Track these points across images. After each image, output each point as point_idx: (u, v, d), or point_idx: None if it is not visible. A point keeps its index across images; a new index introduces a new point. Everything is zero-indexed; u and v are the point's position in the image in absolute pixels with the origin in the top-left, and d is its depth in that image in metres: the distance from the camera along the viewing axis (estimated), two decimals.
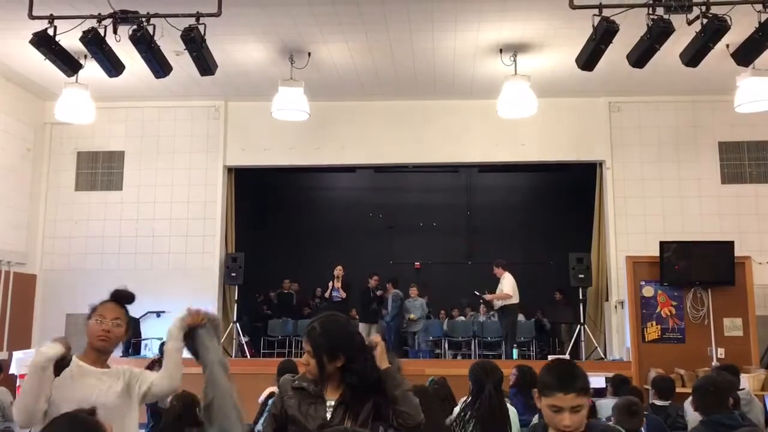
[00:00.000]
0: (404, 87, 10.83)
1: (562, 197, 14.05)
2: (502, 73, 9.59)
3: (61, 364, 2.97)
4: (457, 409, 4.34)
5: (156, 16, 7.39)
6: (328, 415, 2.62)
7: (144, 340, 10.63)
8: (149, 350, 10.44)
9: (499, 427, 4.07)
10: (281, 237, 14.78)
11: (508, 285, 10.68)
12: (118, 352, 10.72)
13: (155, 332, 10.38)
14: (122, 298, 3.16)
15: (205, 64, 7.89)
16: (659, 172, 11.06)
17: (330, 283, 11.58)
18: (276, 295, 13.12)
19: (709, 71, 8.66)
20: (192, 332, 3.15)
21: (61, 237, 11.53)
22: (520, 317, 12.87)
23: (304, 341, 2.74)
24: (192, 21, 7.39)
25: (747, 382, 8.18)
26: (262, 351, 12.03)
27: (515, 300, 10.75)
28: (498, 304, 10.91)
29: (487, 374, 4.22)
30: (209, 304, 11.18)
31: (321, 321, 2.77)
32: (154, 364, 8.21)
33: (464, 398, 5.21)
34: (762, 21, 7.06)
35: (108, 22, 7.39)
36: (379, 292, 11.93)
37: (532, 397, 4.10)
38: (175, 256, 11.36)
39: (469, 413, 4.12)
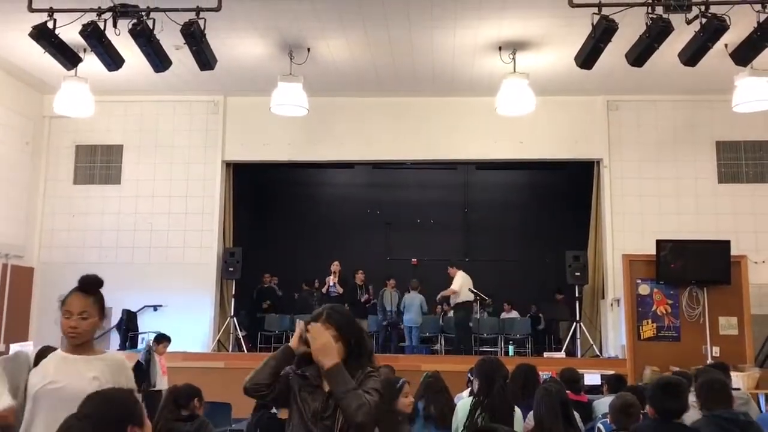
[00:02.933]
0: (403, 83, 10.84)
1: (560, 195, 14.07)
2: (501, 70, 9.61)
3: (42, 355, 3.00)
4: (462, 404, 4.35)
5: (156, 10, 7.41)
6: (323, 404, 2.67)
7: (141, 333, 10.64)
8: (146, 344, 10.47)
9: (507, 421, 4.11)
10: (279, 232, 14.79)
11: (456, 282, 11.03)
12: (114, 346, 10.81)
13: (152, 326, 10.40)
14: (89, 285, 3.05)
15: (205, 59, 7.90)
16: (656, 170, 11.10)
17: (327, 279, 11.63)
18: (257, 290, 13.02)
19: (708, 71, 8.68)
20: None
21: (59, 230, 11.54)
22: (514, 314, 12.96)
23: (321, 326, 2.72)
24: (192, 15, 7.40)
25: (742, 381, 8.22)
26: (259, 346, 12.06)
27: (464, 297, 10.98)
28: (452, 301, 11.17)
29: (496, 369, 4.28)
30: (207, 298, 11.22)
31: (332, 308, 2.83)
32: (138, 369, 8.25)
33: (462, 394, 5.24)
34: (761, 21, 7.09)
35: (108, 15, 7.42)
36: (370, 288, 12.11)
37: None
38: (173, 251, 11.38)
39: (480, 409, 4.14)
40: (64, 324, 2.98)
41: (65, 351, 3.01)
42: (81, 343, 2.99)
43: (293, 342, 2.72)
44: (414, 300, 11.73)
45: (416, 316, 11.69)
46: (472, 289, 12.13)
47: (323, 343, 2.63)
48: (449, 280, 11.37)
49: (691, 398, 4.88)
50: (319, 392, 2.69)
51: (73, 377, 2.88)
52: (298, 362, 2.80)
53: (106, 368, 2.96)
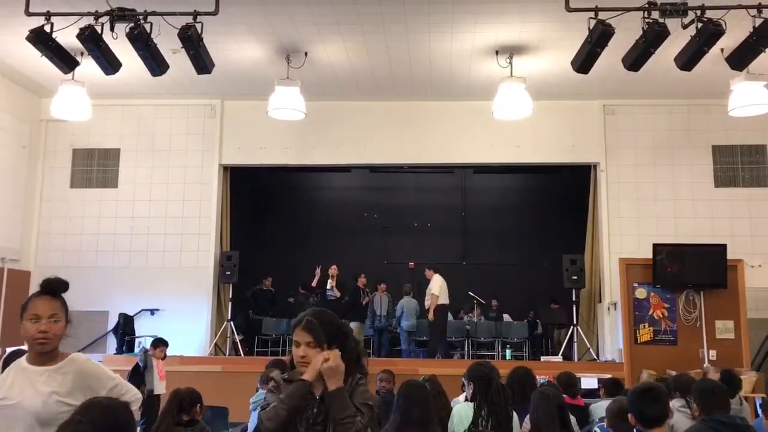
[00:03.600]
0: (400, 88, 10.86)
1: (557, 199, 14.09)
2: (498, 74, 9.63)
3: (9, 362, 2.86)
4: (457, 409, 4.34)
5: (153, 14, 7.42)
6: (315, 409, 2.69)
7: (138, 337, 10.63)
8: (141, 347, 10.45)
9: (506, 426, 4.11)
10: (276, 236, 14.77)
11: (435, 286, 11.07)
12: (111, 350, 10.79)
13: (149, 330, 10.39)
14: (57, 288, 2.86)
15: (202, 63, 7.91)
16: (653, 174, 11.12)
17: (317, 271, 11.70)
18: (254, 290, 12.98)
19: (704, 75, 8.71)
20: None
21: (56, 234, 11.52)
22: (506, 317, 13.00)
23: (299, 334, 2.76)
24: (189, 19, 7.41)
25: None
26: (255, 349, 12.04)
27: (443, 300, 11.07)
28: (429, 305, 11.22)
29: (491, 370, 4.30)
30: (204, 302, 11.21)
31: (313, 313, 2.83)
32: (136, 372, 8.21)
33: (459, 399, 5.23)
34: (756, 26, 7.12)
35: (105, 19, 7.43)
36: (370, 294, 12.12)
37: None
38: (170, 254, 11.37)
39: (485, 410, 4.13)
40: (31, 330, 2.74)
41: (27, 360, 2.80)
42: (50, 349, 2.78)
43: (310, 375, 2.70)
44: (411, 305, 11.74)
45: (414, 321, 11.71)
46: (471, 293, 12.18)
47: (336, 365, 2.68)
48: (426, 282, 11.46)
49: (677, 403, 4.89)
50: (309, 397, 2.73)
51: (27, 393, 2.70)
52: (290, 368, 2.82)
53: (68, 378, 2.76)
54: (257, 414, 4.56)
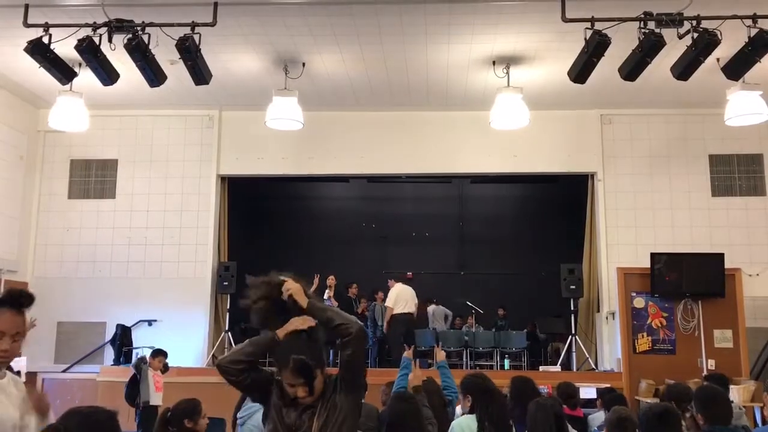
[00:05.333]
0: (398, 98, 10.89)
1: (554, 208, 14.10)
2: (494, 84, 9.65)
3: None
4: (458, 423, 4.31)
5: (151, 25, 7.44)
6: (299, 419, 2.84)
7: (135, 348, 10.59)
8: (137, 357, 10.40)
9: (508, 429, 4.11)
10: (274, 246, 14.75)
11: (389, 297, 11.19)
12: (108, 361, 10.74)
13: (147, 341, 10.35)
14: (24, 302, 2.65)
15: (200, 74, 7.92)
16: (650, 184, 11.14)
17: (315, 279, 11.69)
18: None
19: (700, 85, 8.74)
20: None
21: (53, 245, 11.50)
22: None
23: (290, 377, 2.83)
24: (187, 30, 7.43)
25: (737, 393, 8.23)
26: None
27: (400, 309, 11.11)
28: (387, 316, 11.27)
29: (485, 379, 4.28)
30: (201, 312, 11.18)
31: (299, 349, 2.87)
32: (133, 383, 8.15)
33: (456, 410, 5.22)
34: (751, 35, 7.15)
35: (103, 30, 7.44)
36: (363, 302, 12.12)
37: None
38: (167, 265, 11.35)
39: (487, 422, 4.10)
40: None
41: None
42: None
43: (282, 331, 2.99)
44: (439, 312, 11.77)
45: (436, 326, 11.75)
46: (468, 303, 12.14)
47: (297, 288, 3.05)
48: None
49: None
50: (292, 410, 2.86)
51: (4, 404, 2.59)
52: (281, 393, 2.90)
53: (21, 393, 2.66)
54: (245, 429, 4.56)
